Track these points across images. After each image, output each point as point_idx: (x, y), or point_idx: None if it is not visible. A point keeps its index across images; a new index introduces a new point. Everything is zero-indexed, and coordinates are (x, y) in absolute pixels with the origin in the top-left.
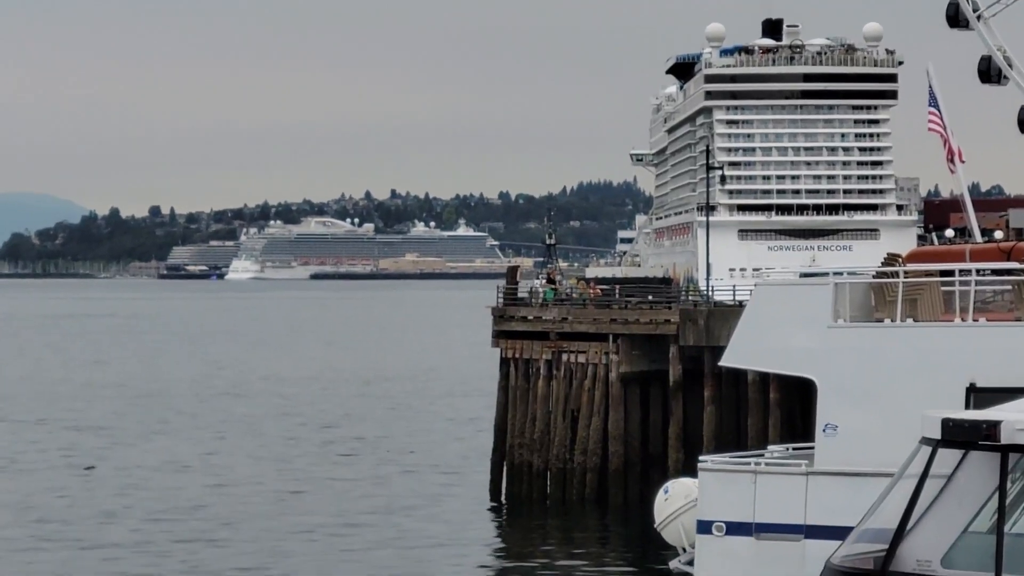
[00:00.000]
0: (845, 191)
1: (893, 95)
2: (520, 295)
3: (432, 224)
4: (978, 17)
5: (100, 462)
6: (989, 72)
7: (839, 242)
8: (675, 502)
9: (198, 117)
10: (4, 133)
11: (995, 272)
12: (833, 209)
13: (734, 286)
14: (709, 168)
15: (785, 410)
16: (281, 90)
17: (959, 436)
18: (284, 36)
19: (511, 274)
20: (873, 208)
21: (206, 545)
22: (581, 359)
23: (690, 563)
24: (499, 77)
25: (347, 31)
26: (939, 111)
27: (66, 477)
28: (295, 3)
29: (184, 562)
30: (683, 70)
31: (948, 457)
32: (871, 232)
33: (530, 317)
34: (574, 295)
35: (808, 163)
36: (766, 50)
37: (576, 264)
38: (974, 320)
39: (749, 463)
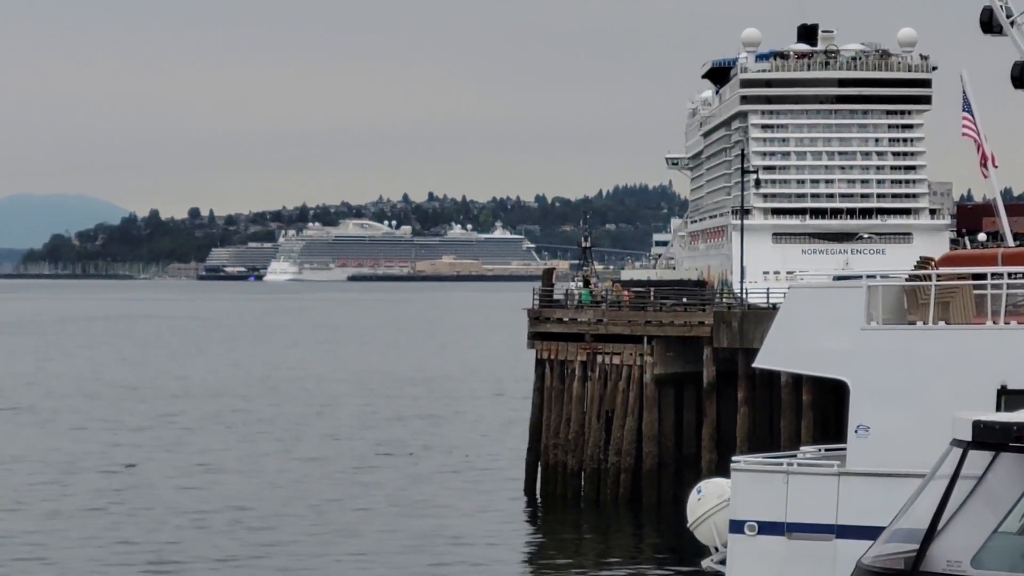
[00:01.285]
0: (879, 195)
1: (927, 100)
2: (556, 297)
3: (469, 227)
4: (1012, 23)
5: (145, 461)
6: (1022, 77)
7: (872, 245)
8: (708, 502)
9: (238, 119)
10: (45, 134)
11: None
12: (866, 213)
13: (768, 289)
14: (744, 172)
15: (818, 411)
16: (320, 93)
17: (990, 438)
18: (324, 39)
19: (547, 276)
20: (906, 212)
21: (246, 539)
22: (616, 360)
23: (722, 562)
24: (536, 80)
25: (386, 34)
26: (972, 116)
27: (107, 476)
28: (335, 6)
29: (219, 558)
30: (719, 75)
31: (979, 459)
32: (904, 236)
33: (565, 319)
34: (609, 297)
35: (842, 167)
36: (801, 55)
37: (611, 267)
38: (1006, 323)
39: (781, 463)
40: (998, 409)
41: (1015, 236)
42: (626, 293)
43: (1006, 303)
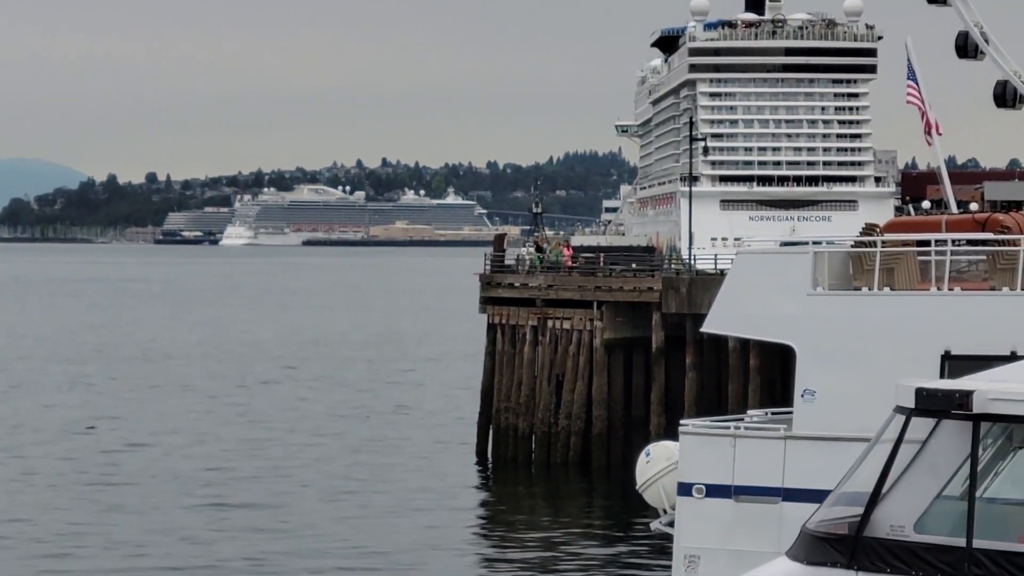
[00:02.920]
0: (825, 163)
1: (872, 69)
2: (507, 263)
3: (422, 192)
4: None
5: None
6: (966, 47)
7: (818, 212)
8: (656, 465)
9: (195, 84)
10: (2, 97)
11: (970, 242)
12: (813, 180)
13: (716, 255)
14: (692, 140)
15: (765, 376)
16: (276, 58)
17: (932, 405)
18: (279, 4)
19: (498, 242)
20: (852, 180)
21: (193, 502)
22: (566, 325)
23: (670, 524)
24: (487, 47)
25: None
26: (917, 85)
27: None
28: None
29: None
30: (667, 43)
31: (921, 425)
32: (850, 203)
33: (516, 284)
34: (549, 255)
35: (789, 135)
36: (749, 24)
37: (562, 232)
38: (949, 289)
39: (729, 427)
40: (942, 374)
41: (958, 204)
42: (567, 250)
43: (949, 269)
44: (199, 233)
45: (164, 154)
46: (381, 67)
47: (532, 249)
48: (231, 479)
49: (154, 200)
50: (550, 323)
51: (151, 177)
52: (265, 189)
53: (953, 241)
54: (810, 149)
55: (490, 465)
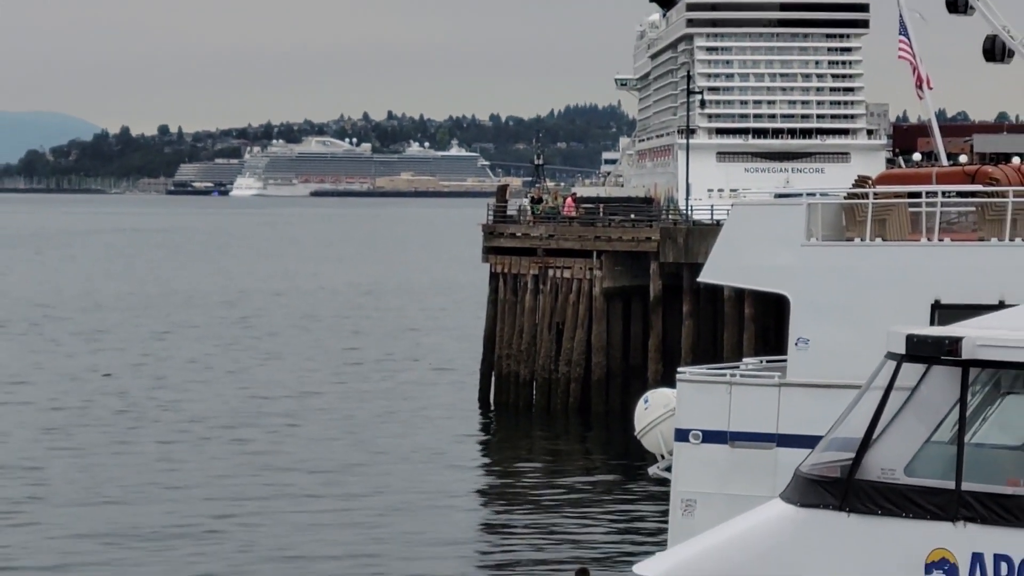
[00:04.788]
0: (818, 116)
1: (865, 24)
2: (509, 213)
3: (426, 144)
4: None
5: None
6: (956, 3)
7: (812, 165)
8: (654, 411)
9: (205, 39)
10: (20, 53)
11: (960, 194)
12: (807, 133)
13: (712, 206)
14: (689, 93)
15: (759, 325)
16: (285, 14)
17: (922, 352)
18: None
19: (500, 193)
20: (844, 132)
21: (209, 451)
22: (566, 274)
23: (668, 469)
24: (490, 4)
25: None
26: (908, 39)
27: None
28: None
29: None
30: (667, 2)
31: (912, 371)
32: (842, 155)
33: (518, 234)
34: (547, 206)
35: (783, 89)
36: None
37: (563, 184)
38: (939, 240)
39: (725, 375)
40: (932, 323)
41: (948, 156)
42: (570, 203)
43: (940, 220)
44: (210, 184)
45: (176, 107)
46: (387, 24)
47: (529, 202)
48: (253, 413)
49: (166, 152)
50: (551, 272)
51: (163, 129)
52: (274, 141)
53: (943, 193)
54: (804, 103)
55: (492, 410)
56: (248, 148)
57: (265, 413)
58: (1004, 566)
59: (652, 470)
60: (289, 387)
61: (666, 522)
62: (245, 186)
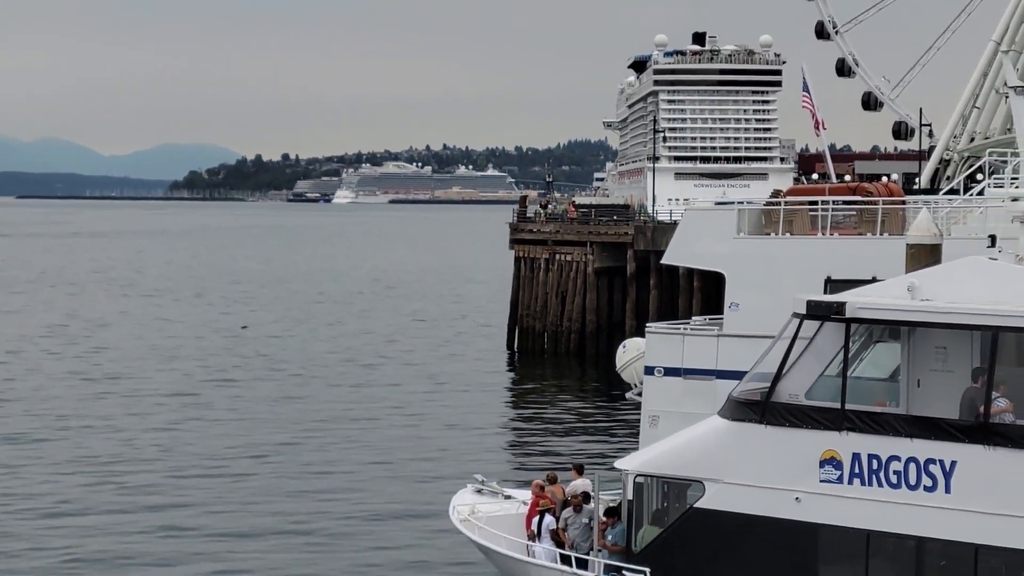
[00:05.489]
0: (746, 148)
1: (779, 84)
2: (528, 216)
3: (470, 167)
4: (835, 31)
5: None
6: (843, 69)
7: (741, 182)
8: (630, 354)
9: (320, 88)
10: (191, 98)
11: (845, 203)
12: (738, 160)
13: (671, 211)
14: (655, 132)
15: (704, 294)
16: (374, 70)
17: (818, 312)
18: (384, 36)
19: (522, 202)
20: (764, 159)
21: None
22: (568, 258)
23: (639, 394)
24: (514, 64)
25: (413, 30)
26: (809, 94)
27: (225, 336)
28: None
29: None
30: (639, 66)
31: (810, 326)
32: (762, 175)
33: (534, 230)
34: (555, 211)
35: (722, 129)
36: (695, 53)
37: (566, 195)
38: (830, 234)
39: (680, 328)
40: (825, 292)
41: (837, 176)
42: (572, 208)
43: (830, 221)
44: (318, 195)
45: (295, 140)
46: (441, 78)
47: (539, 208)
48: (354, 350)
49: (287, 172)
50: (557, 256)
51: (285, 156)
52: (363, 165)
53: (833, 202)
54: (736, 139)
55: (516, 353)
56: (345, 169)
57: (360, 351)
58: (875, 462)
59: (629, 395)
60: (378, 334)
61: (638, 431)
62: (343, 196)
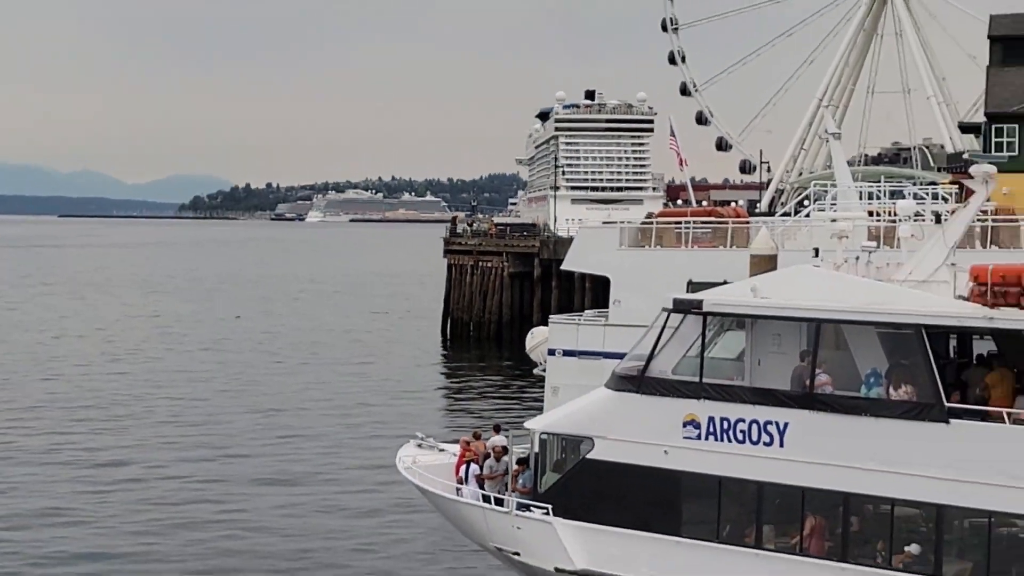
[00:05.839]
0: (626, 179)
1: (651, 130)
2: (458, 232)
3: (413, 194)
4: (695, 90)
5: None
6: (701, 119)
7: (623, 206)
8: (537, 339)
9: (299, 128)
10: (195, 135)
11: (703, 222)
12: (620, 189)
13: (568, 228)
14: (556, 167)
15: (594, 293)
16: (339, 116)
17: (682, 307)
18: (368, 83)
19: (453, 221)
20: (640, 189)
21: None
22: (489, 264)
23: (544, 371)
24: (447, 107)
25: (373, 76)
26: (675, 138)
27: (221, 323)
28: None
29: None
30: (544, 115)
31: (676, 318)
32: (639, 201)
33: (463, 243)
34: (483, 228)
35: (607, 165)
36: (587, 106)
37: (487, 216)
38: (692, 247)
39: (575, 319)
40: (687, 291)
41: (697, 202)
42: (492, 226)
43: (691, 236)
44: (294, 215)
45: (277, 171)
46: (394, 124)
47: (467, 226)
48: (317, 331)
49: (270, 197)
50: (480, 263)
51: (268, 184)
52: (330, 192)
53: (693, 222)
54: (618, 173)
55: (448, 339)
56: (316, 195)
57: (328, 334)
58: (725, 423)
59: (536, 371)
60: (343, 321)
61: (543, 399)
62: (314, 216)
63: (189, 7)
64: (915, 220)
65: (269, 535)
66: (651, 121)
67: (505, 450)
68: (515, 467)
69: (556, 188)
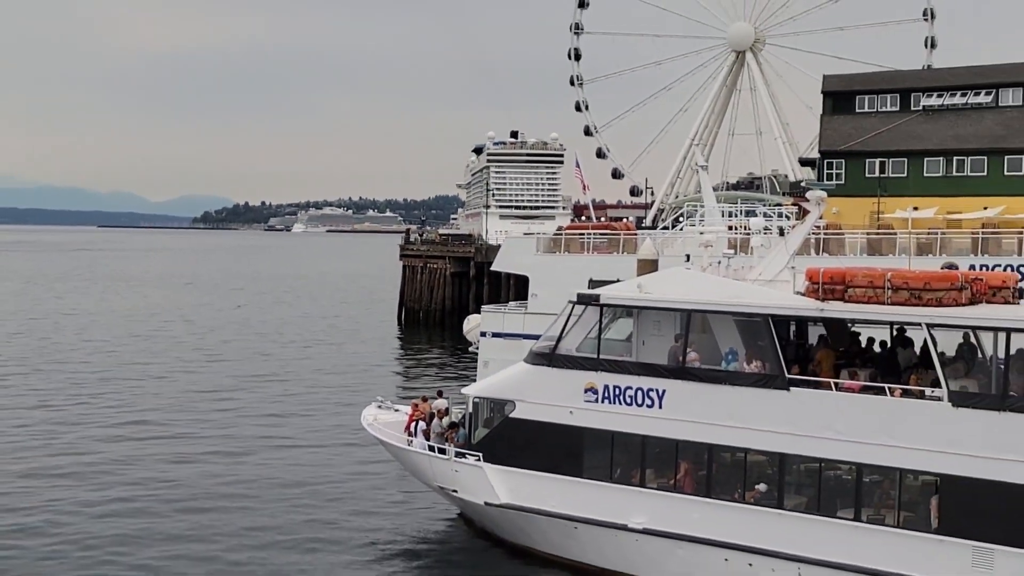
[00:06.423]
0: (542, 199)
1: (562, 162)
2: (411, 240)
3: (376, 211)
4: (595, 131)
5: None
6: (600, 154)
7: (539, 221)
8: (472, 323)
9: (285, 160)
10: (206, 163)
11: (601, 234)
12: (537, 208)
13: (497, 238)
14: (488, 190)
15: (516, 288)
16: (319, 148)
17: (584, 300)
18: (337, 114)
19: (407, 233)
20: (553, 208)
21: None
22: (435, 266)
23: (477, 348)
24: (404, 148)
25: (337, 121)
26: (579, 168)
27: (226, 313)
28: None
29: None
30: (479, 150)
31: (579, 308)
32: (552, 217)
33: (415, 248)
34: (431, 237)
35: (527, 188)
36: (512, 143)
37: (434, 228)
38: (592, 253)
39: (502, 309)
40: (588, 288)
41: (597, 218)
42: (438, 236)
43: (592, 245)
44: (283, 227)
45: (270, 191)
46: (358, 157)
47: (418, 236)
48: (287, 324)
49: (264, 212)
50: (428, 265)
51: (263, 203)
52: (311, 208)
53: (593, 234)
54: (537, 195)
55: (403, 325)
56: (300, 211)
57: (309, 319)
58: (617, 390)
59: (471, 348)
60: (320, 309)
61: (476, 370)
62: (298, 228)
63: (198, 70)
64: (764, 233)
65: (261, 481)
66: (561, 155)
67: (447, 411)
68: (448, 430)
69: (488, 206)
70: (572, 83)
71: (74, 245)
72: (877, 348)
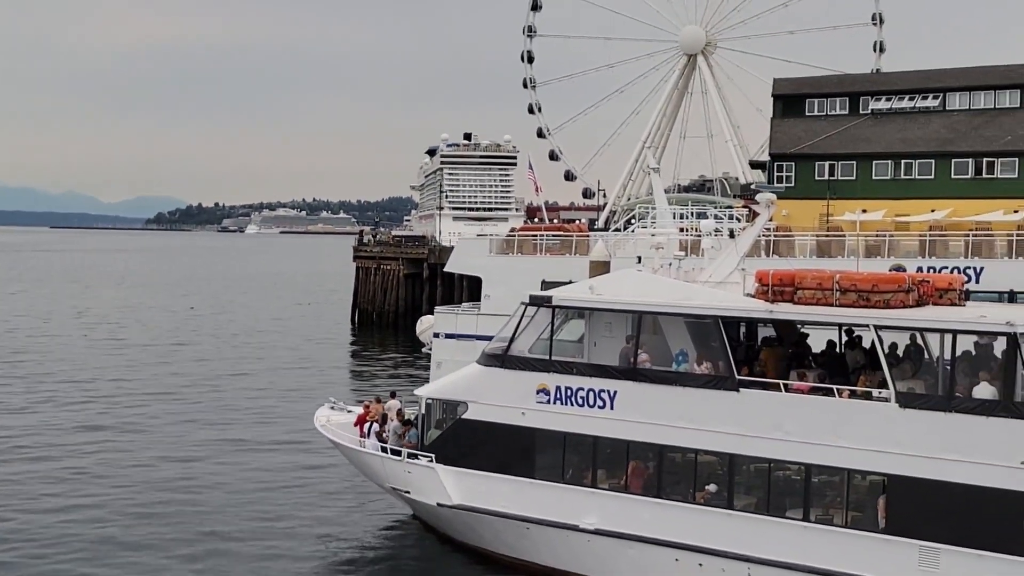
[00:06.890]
0: (495, 201)
1: (515, 163)
2: (364, 241)
3: (329, 212)
4: (548, 134)
5: (199, 305)
6: (553, 156)
7: (493, 223)
8: (425, 324)
9: (238, 161)
10: (154, 164)
11: (554, 236)
12: (490, 209)
13: (450, 240)
14: (441, 192)
15: (470, 289)
16: (272, 149)
17: (536, 301)
18: (303, 123)
19: (360, 234)
20: (506, 209)
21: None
22: (388, 267)
23: (430, 349)
24: (359, 149)
25: (296, 122)
26: (532, 170)
27: (178, 315)
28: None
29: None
30: (432, 152)
31: (532, 310)
32: (505, 219)
33: (368, 250)
34: (384, 239)
35: (481, 190)
36: (465, 145)
37: (387, 230)
38: (545, 255)
39: (454, 310)
40: (541, 289)
41: (550, 220)
42: (391, 238)
43: (545, 246)
44: (236, 228)
45: (224, 193)
46: (315, 157)
47: (371, 237)
48: (259, 319)
49: (218, 213)
50: (382, 266)
51: (217, 204)
52: (264, 210)
53: (545, 235)
54: (490, 196)
55: (356, 326)
56: (253, 212)
57: (263, 320)
58: (569, 391)
59: (424, 349)
60: (275, 310)
61: (429, 371)
62: (252, 229)
63: (152, 69)
64: (715, 235)
65: (212, 484)
66: (515, 157)
67: (401, 412)
68: (401, 428)
69: (441, 208)
70: (525, 85)
71: (25, 246)
72: (819, 349)
